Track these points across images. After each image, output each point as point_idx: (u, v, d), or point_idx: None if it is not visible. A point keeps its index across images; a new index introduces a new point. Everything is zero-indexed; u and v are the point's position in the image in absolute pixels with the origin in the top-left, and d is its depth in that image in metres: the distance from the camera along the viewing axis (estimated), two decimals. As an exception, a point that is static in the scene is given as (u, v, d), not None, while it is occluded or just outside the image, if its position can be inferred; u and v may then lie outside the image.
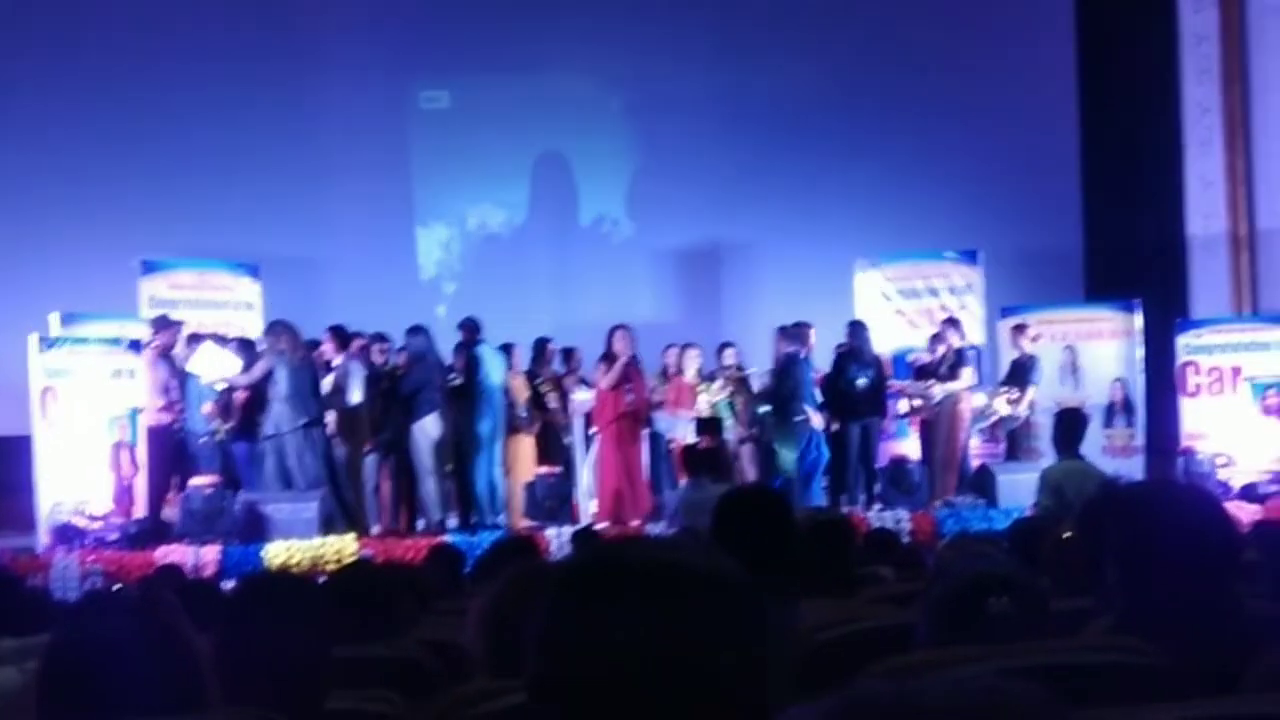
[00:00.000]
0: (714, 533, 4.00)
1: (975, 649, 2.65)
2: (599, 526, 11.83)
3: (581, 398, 13.15)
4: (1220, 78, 16.10)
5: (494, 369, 12.73)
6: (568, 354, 13.85)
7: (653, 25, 16.93)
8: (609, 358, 12.93)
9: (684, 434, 12.93)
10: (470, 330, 12.93)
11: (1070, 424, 8.40)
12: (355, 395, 12.41)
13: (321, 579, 5.29)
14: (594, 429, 13.16)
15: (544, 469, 12.81)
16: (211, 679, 2.50)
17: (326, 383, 12.41)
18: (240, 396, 12.26)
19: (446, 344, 13.01)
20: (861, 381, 13.15)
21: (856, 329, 13.58)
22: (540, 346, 13.61)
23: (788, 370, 12.95)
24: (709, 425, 12.99)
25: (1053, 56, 17.00)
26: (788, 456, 12.81)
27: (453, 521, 12.65)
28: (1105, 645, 2.60)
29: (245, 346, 12.67)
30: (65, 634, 2.55)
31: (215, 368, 12.30)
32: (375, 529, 12.53)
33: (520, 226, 17.81)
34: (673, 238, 17.72)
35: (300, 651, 2.87)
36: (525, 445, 13.15)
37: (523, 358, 13.44)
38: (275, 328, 12.23)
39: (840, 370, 13.31)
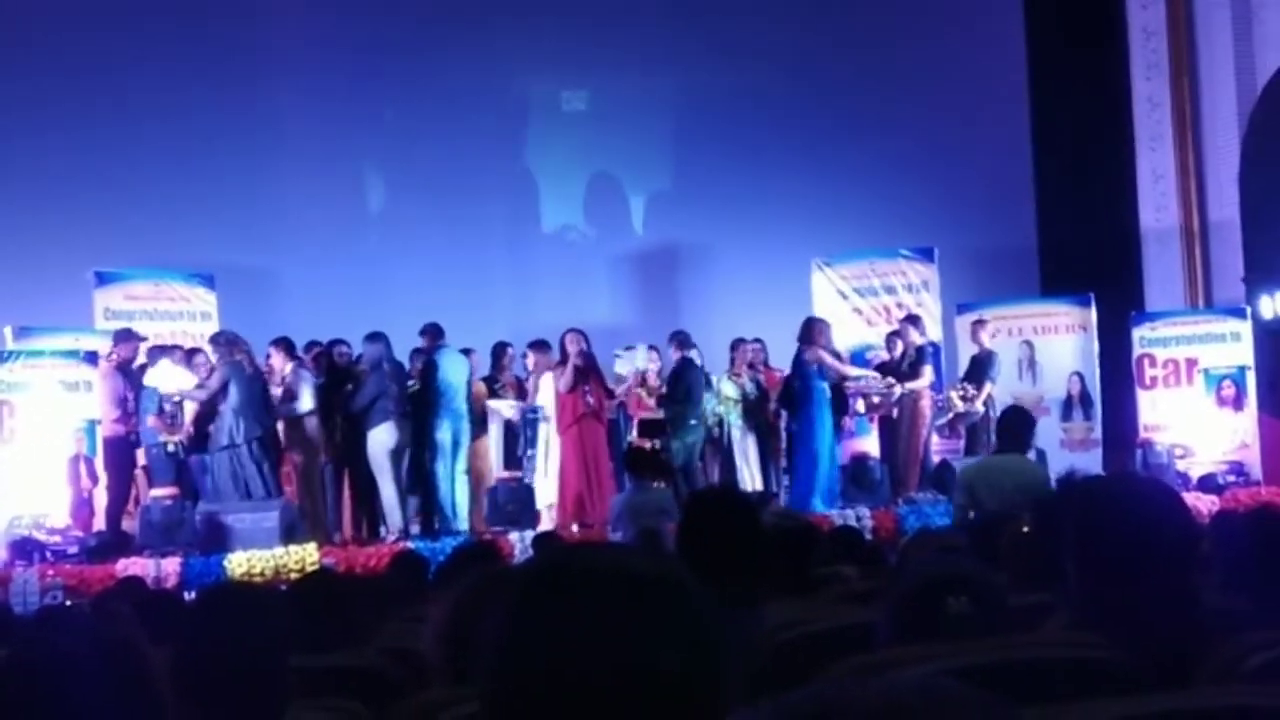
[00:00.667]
0: (680, 534, 4.00)
1: (934, 647, 2.66)
2: (561, 530, 11.82)
3: (544, 398, 13.05)
4: (1169, 72, 16.21)
5: (454, 374, 12.69)
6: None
7: (609, 28, 16.92)
8: (564, 361, 12.95)
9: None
10: (431, 336, 12.89)
11: (1008, 422, 8.37)
12: (305, 404, 12.34)
13: (282, 588, 5.26)
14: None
15: (506, 474, 12.78)
16: (168, 693, 2.48)
17: (276, 393, 12.37)
18: (192, 408, 12.17)
19: (408, 349, 13.01)
20: (822, 384, 13.16)
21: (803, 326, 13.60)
22: (498, 352, 13.55)
23: (681, 375, 13.04)
24: (653, 427, 13.02)
25: (1003, 54, 17.07)
26: (680, 455, 12.86)
27: (416, 528, 12.60)
28: (1062, 641, 2.61)
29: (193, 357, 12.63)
30: (18, 650, 2.53)
31: (172, 381, 12.22)
32: (337, 537, 12.47)
33: (476, 231, 17.76)
34: (630, 241, 17.73)
35: (258, 662, 2.86)
36: (488, 450, 13.12)
37: (483, 363, 13.42)
38: (226, 338, 12.18)
39: (797, 370, 13.33)
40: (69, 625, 2.55)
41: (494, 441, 13.21)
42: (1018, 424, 8.23)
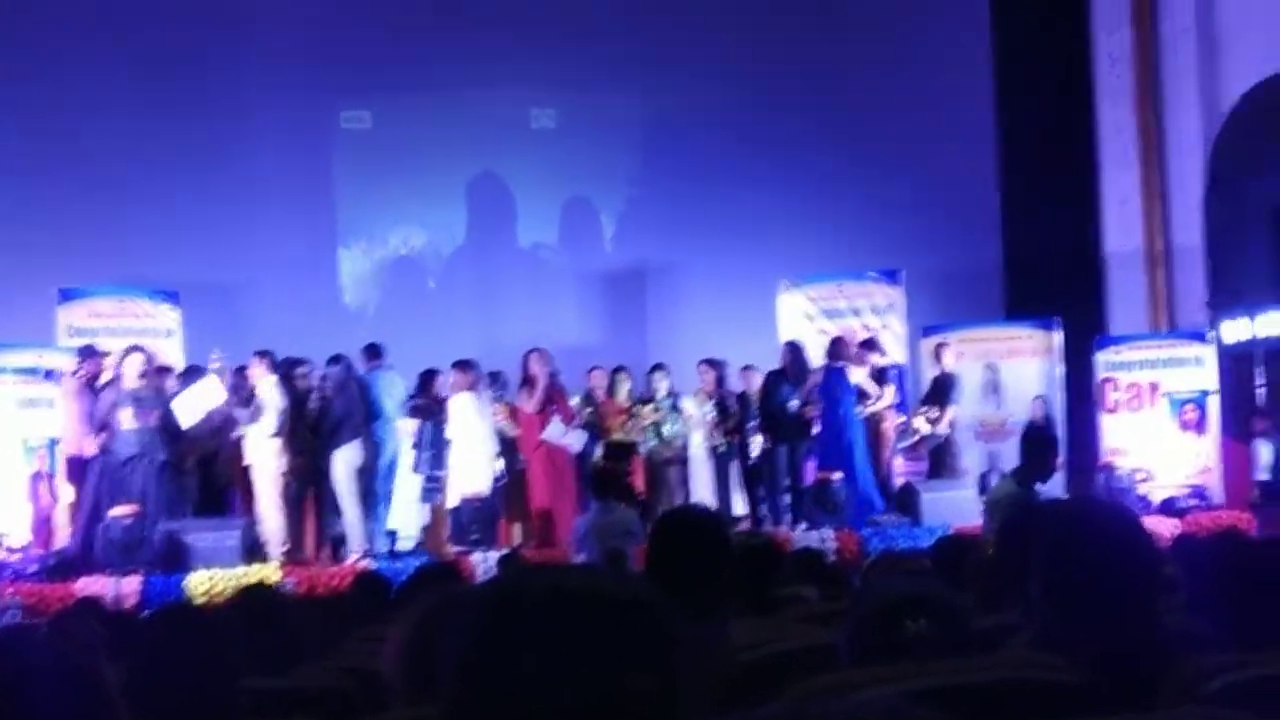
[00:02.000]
0: (650, 552, 4.00)
1: (895, 669, 2.66)
2: (525, 550, 11.79)
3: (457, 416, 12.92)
4: (1134, 98, 16.31)
5: (389, 393, 12.68)
6: (493, 378, 13.70)
7: (579, 46, 16.91)
8: (529, 382, 12.93)
9: (573, 440, 12.94)
10: (369, 355, 12.89)
11: (1032, 445, 8.24)
12: (270, 423, 12.28)
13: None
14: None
15: (470, 493, 12.74)
16: (122, 712, 2.46)
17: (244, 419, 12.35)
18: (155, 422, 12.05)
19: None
20: (793, 403, 13.22)
21: (792, 350, 13.65)
22: (426, 379, 13.35)
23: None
24: (619, 449, 13.03)
25: (970, 78, 17.14)
26: None
27: (381, 547, 12.54)
28: (1023, 663, 2.62)
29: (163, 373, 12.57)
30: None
31: (201, 405, 12.19)
32: (300, 557, 12.41)
33: (444, 248, 17.75)
34: (599, 259, 17.73)
35: (209, 682, 2.84)
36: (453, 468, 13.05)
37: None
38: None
39: (770, 391, 13.38)
40: (26, 646, 2.53)
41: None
42: (1042, 447, 8.17)
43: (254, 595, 4.61)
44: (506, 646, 1.52)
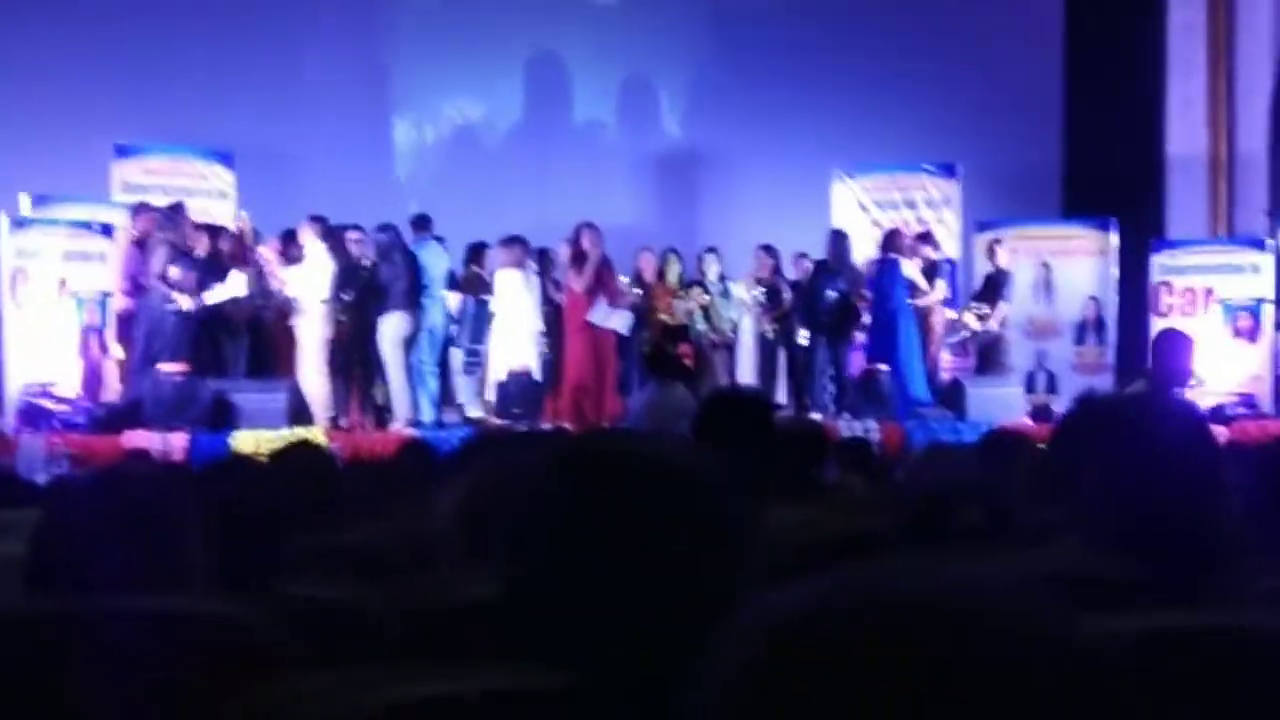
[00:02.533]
0: (696, 431, 4.00)
1: (943, 558, 2.65)
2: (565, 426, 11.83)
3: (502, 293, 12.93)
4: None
5: (433, 265, 12.68)
6: (542, 254, 13.67)
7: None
8: (579, 258, 12.85)
9: (619, 324, 12.90)
10: (416, 227, 12.87)
11: (1169, 345, 7.87)
12: (319, 284, 12.35)
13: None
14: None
15: (515, 367, 12.77)
16: (198, 562, 2.50)
17: (296, 273, 12.41)
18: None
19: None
20: (830, 294, 13.18)
21: (835, 240, 13.59)
22: (473, 253, 13.38)
23: None
24: (677, 332, 13.04)
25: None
26: None
27: (426, 416, 12.61)
28: (1073, 556, 2.61)
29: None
30: (56, 510, 2.56)
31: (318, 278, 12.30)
32: (344, 422, 12.51)
33: (499, 123, 17.67)
34: (653, 141, 17.63)
35: (257, 534, 2.87)
36: (497, 343, 13.08)
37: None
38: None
39: (813, 282, 13.35)
40: (107, 488, 2.57)
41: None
42: (1178, 347, 7.90)
43: (301, 451, 4.65)
44: (566, 513, 1.52)
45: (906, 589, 1.00)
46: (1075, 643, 1.00)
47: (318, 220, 12.62)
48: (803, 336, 13.49)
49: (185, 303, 11.86)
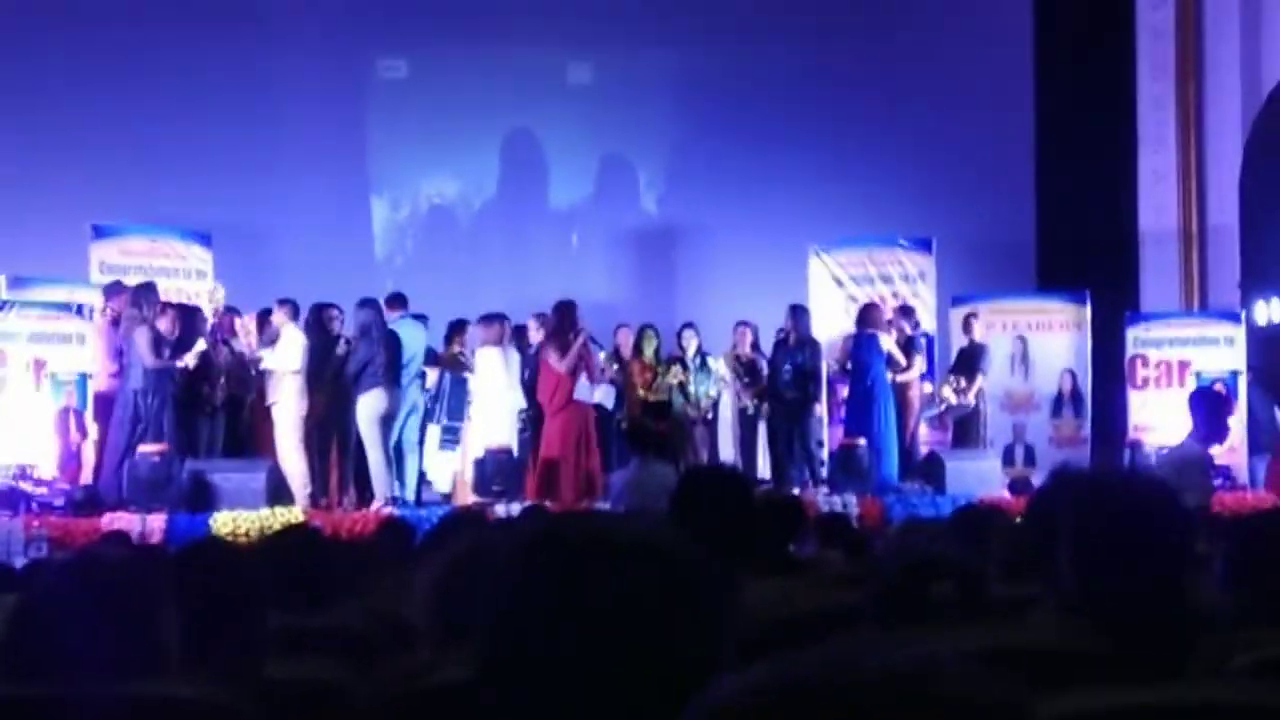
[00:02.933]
0: (674, 507, 4.01)
1: (917, 632, 2.66)
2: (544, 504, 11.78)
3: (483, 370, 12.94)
4: (1175, 74, 16.19)
5: (411, 342, 12.71)
6: (519, 331, 13.69)
7: (612, 5, 16.88)
8: (559, 335, 12.80)
9: (603, 398, 12.92)
10: (391, 305, 12.91)
11: (1209, 405, 7.78)
12: (293, 362, 12.36)
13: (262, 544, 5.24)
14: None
15: (495, 445, 12.75)
16: (174, 645, 2.49)
17: (271, 353, 12.45)
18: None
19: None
20: (787, 368, 13.26)
21: (793, 314, 13.65)
22: (452, 331, 13.44)
23: None
24: (659, 408, 13.04)
25: (1010, 47, 17.03)
26: None
27: (407, 495, 12.58)
28: (1050, 629, 2.62)
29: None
30: (33, 595, 2.55)
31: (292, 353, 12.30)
32: (323, 501, 12.46)
33: (475, 200, 17.75)
34: (628, 217, 17.69)
35: (236, 616, 2.87)
36: (477, 421, 13.07)
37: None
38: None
39: (773, 358, 13.48)
40: (83, 574, 2.56)
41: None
42: (1217, 407, 7.81)
43: (291, 534, 4.63)
44: (544, 594, 1.51)
45: (847, 673, 1.01)
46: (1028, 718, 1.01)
47: (286, 303, 12.67)
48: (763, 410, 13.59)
49: (165, 376, 11.88)
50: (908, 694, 0.99)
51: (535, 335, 13.29)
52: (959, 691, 1.02)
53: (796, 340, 13.41)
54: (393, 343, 12.52)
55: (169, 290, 13.34)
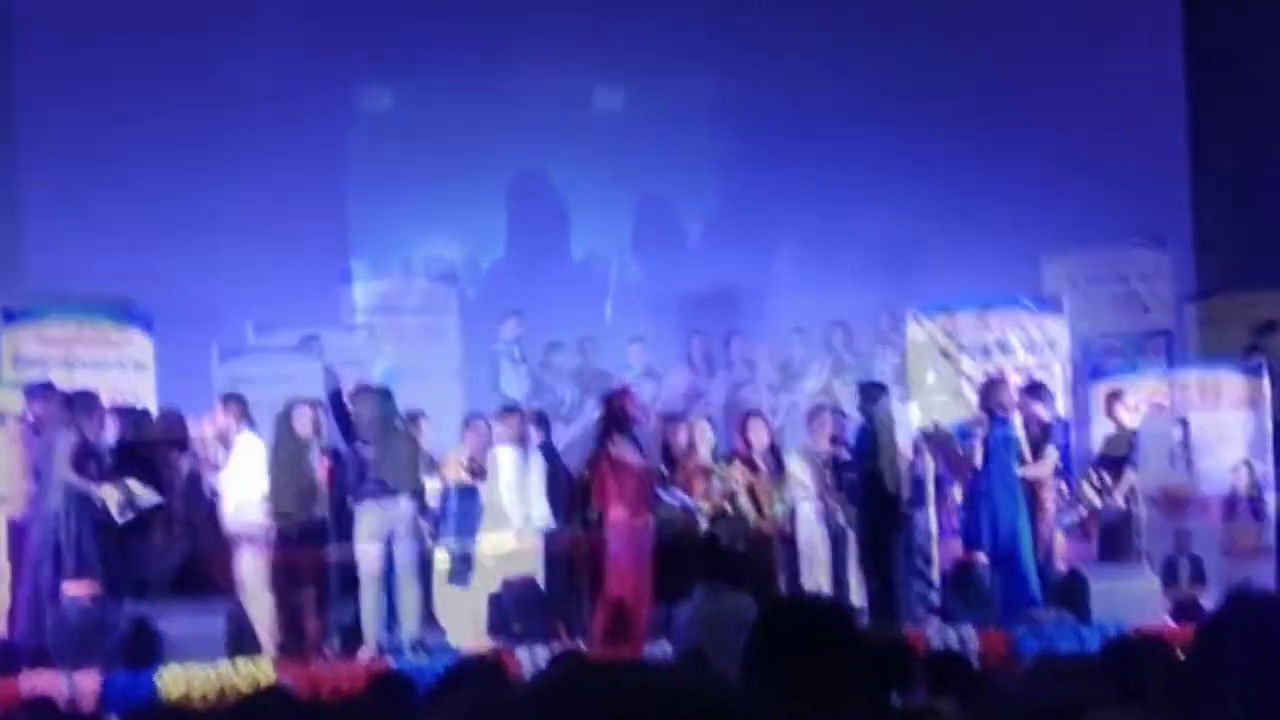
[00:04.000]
0: (749, 652, 4.03)
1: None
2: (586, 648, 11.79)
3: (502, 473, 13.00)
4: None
5: (406, 445, 12.79)
6: (540, 419, 13.76)
7: (650, 20, 17.04)
8: (615, 423, 12.88)
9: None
10: (384, 401, 12.99)
11: None
12: (249, 475, 12.46)
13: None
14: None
15: (516, 573, 12.76)
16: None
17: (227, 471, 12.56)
18: None
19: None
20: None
21: (865, 395, 13.67)
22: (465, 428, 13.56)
23: None
24: (716, 520, 13.00)
25: (1159, 70, 17.10)
26: None
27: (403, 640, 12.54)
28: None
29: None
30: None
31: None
32: (298, 651, 12.47)
33: (482, 264, 17.83)
34: (672, 277, 17.68)
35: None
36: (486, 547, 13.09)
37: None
38: None
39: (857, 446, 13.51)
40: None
41: None
42: None
43: (259, 700, 4.66)
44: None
45: None
46: None
47: (233, 399, 12.74)
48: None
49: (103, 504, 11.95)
50: None
51: (564, 432, 13.36)
52: None
53: (872, 430, 13.40)
54: (386, 444, 12.49)
55: (103, 387, 13.23)
